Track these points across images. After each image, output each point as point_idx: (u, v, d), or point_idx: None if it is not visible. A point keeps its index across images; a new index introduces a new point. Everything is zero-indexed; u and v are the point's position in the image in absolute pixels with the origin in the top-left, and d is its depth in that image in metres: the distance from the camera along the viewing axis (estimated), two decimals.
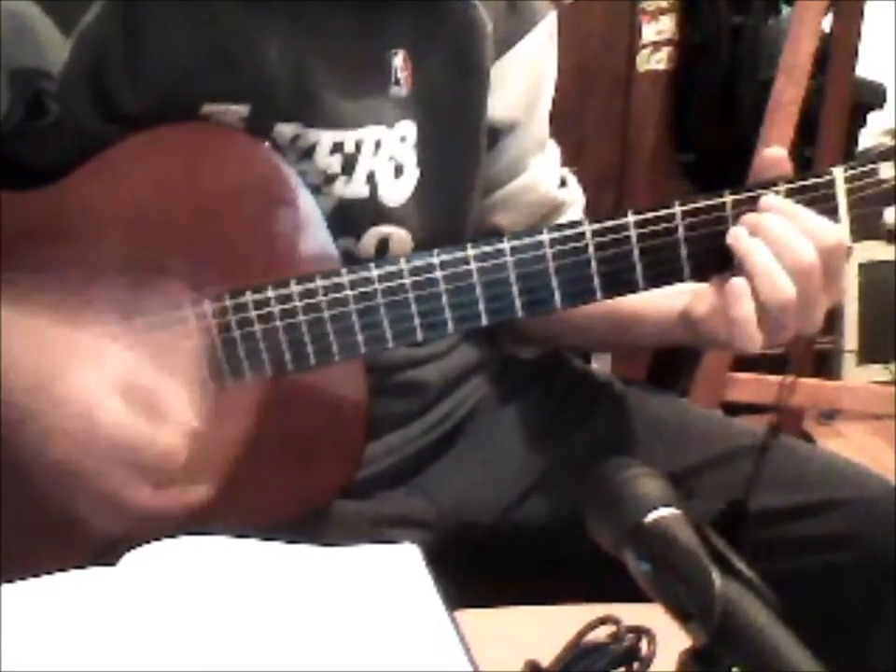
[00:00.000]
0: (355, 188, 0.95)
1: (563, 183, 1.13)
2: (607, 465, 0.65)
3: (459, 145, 1.01)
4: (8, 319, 0.82)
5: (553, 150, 1.13)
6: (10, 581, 0.65)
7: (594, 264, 0.86)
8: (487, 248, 0.87)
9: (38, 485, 0.83)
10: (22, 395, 0.81)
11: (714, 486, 1.02)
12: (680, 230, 0.85)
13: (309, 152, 0.93)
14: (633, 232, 0.85)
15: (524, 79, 1.06)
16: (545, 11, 1.06)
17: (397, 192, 0.97)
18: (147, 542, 0.68)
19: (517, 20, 1.04)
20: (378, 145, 0.96)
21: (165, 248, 0.88)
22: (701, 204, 0.86)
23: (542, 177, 1.10)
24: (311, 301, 0.87)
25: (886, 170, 0.85)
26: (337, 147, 0.94)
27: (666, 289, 0.94)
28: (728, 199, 0.86)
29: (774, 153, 0.87)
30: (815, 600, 0.94)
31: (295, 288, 0.87)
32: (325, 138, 0.93)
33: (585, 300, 0.88)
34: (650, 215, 0.85)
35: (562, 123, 1.12)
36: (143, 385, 0.82)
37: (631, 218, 0.85)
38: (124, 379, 0.81)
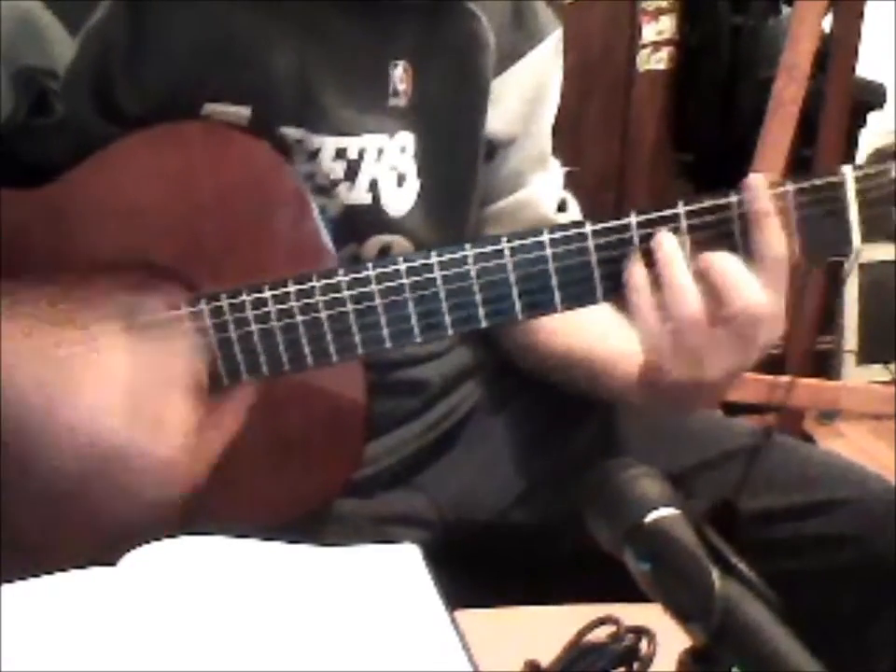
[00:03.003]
0: (358, 194, 0.95)
1: (562, 207, 1.12)
2: (607, 465, 0.65)
3: (458, 157, 1.01)
4: (6, 333, 0.82)
5: (555, 169, 1.12)
6: (10, 581, 0.65)
7: (595, 265, 0.85)
8: (487, 248, 0.86)
9: (42, 481, 0.83)
10: (23, 409, 0.81)
11: (713, 487, 1.02)
12: (685, 231, 0.84)
13: (314, 155, 0.93)
14: (635, 233, 0.85)
15: (525, 94, 1.05)
16: (551, 27, 1.06)
17: (399, 201, 0.97)
18: (147, 542, 0.68)
19: (522, 35, 1.03)
20: (381, 152, 0.96)
21: (162, 247, 0.88)
22: (706, 205, 0.85)
23: (541, 196, 1.09)
24: (308, 300, 0.86)
25: None
26: (340, 153, 0.93)
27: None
28: (734, 199, 0.85)
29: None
30: (815, 600, 0.94)
31: (292, 288, 0.86)
32: (328, 144, 0.93)
33: (586, 301, 0.87)
34: (653, 215, 0.85)
35: (562, 123, 1.12)
36: (140, 398, 0.82)
37: (634, 219, 0.84)
38: (122, 393, 0.81)
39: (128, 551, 0.68)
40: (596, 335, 1.01)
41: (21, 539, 0.84)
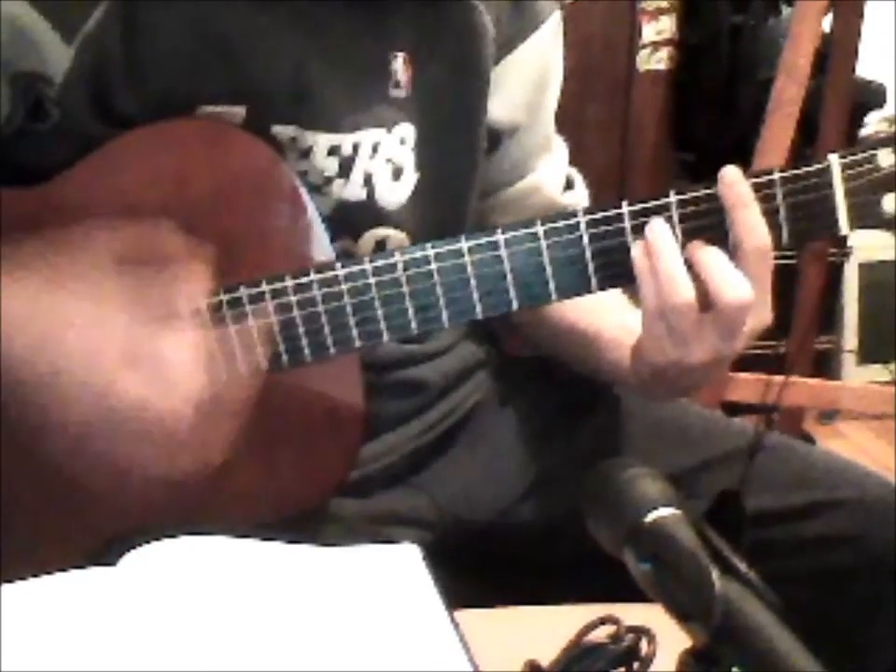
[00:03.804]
0: (352, 190, 0.95)
1: (569, 185, 1.12)
2: (607, 465, 0.65)
3: (458, 147, 1.01)
4: (8, 286, 0.81)
5: (560, 150, 1.12)
6: (10, 581, 0.65)
7: (589, 255, 0.86)
8: (482, 240, 0.87)
9: (45, 460, 0.83)
10: (25, 363, 0.81)
11: (713, 486, 1.02)
12: (676, 220, 0.85)
13: (307, 153, 0.93)
14: (628, 223, 0.85)
15: (526, 81, 1.05)
16: (549, 11, 1.05)
17: (395, 195, 0.97)
18: (147, 542, 0.68)
19: (520, 21, 1.03)
20: (376, 147, 0.95)
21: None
22: (694, 195, 0.85)
23: (547, 180, 1.10)
24: (305, 295, 0.87)
25: (885, 157, 0.84)
26: (334, 150, 0.93)
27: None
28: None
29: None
30: (815, 600, 0.94)
31: (290, 283, 0.87)
32: (321, 141, 0.93)
33: (581, 291, 0.88)
34: (644, 205, 0.85)
35: (562, 123, 1.12)
36: (146, 347, 0.81)
37: (626, 209, 0.85)
38: (127, 343, 0.81)
39: (128, 551, 0.68)
40: (601, 317, 1.02)
41: (20, 519, 0.84)
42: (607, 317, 1.01)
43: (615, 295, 1.00)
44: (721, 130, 2.56)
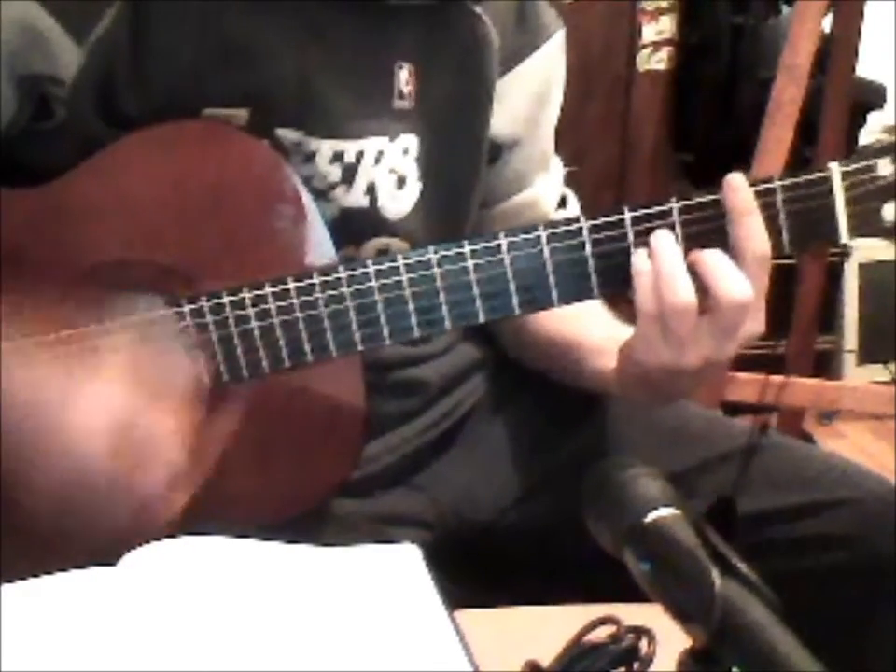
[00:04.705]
0: (354, 197, 0.95)
1: (563, 203, 1.12)
2: (607, 465, 0.66)
3: (461, 159, 1.01)
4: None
5: (556, 168, 1.13)
6: (10, 581, 0.65)
7: (591, 261, 0.86)
8: (484, 245, 0.87)
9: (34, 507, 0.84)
10: (14, 435, 0.82)
11: (712, 486, 1.02)
12: (677, 226, 0.85)
13: (311, 158, 0.93)
14: (629, 229, 0.85)
15: (528, 96, 1.05)
16: (554, 29, 1.06)
17: (398, 204, 0.97)
18: (147, 542, 0.68)
19: (525, 37, 1.03)
20: (379, 156, 0.95)
21: (163, 245, 0.88)
22: (696, 201, 0.86)
23: (543, 197, 1.10)
24: (308, 297, 0.87)
25: (884, 166, 0.84)
26: (337, 157, 0.93)
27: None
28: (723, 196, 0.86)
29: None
30: (815, 600, 0.94)
31: (292, 285, 0.87)
32: (325, 147, 0.93)
33: (582, 296, 0.88)
34: (646, 211, 0.85)
35: (562, 124, 1.12)
36: (130, 425, 0.83)
37: (628, 215, 0.85)
38: (112, 420, 0.82)
39: (126, 551, 0.68)
40: (583, 326, 1.02)
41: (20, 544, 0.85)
42: (588, 327, 1.02)
43: (597, 306, 1.00)
44: (720, 130, 2.57)
